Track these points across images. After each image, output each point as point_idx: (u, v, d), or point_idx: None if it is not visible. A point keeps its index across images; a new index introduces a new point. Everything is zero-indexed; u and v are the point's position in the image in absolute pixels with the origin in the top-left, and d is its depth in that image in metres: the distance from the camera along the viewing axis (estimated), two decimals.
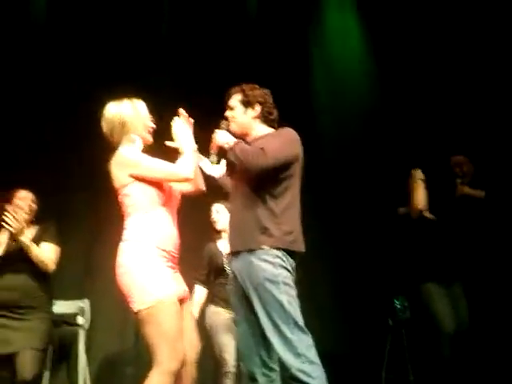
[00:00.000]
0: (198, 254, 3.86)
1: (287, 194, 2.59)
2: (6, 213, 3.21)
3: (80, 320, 4.37)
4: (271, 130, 2.76)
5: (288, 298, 2.45)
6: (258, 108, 2.72)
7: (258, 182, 2.56)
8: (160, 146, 2.69)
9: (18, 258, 3.26)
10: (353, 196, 5.23)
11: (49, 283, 3.42)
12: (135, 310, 2.39)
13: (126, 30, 5.17)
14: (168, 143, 2.69)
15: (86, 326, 4.44)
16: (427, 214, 4.09)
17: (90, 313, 4.51)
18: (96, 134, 2.67)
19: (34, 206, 3.48)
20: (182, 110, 2.69)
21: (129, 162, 2.51)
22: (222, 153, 2.72)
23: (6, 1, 5.01)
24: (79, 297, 4.51)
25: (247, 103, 2.72)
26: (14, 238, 3.23)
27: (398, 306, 4.77)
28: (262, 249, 2.49)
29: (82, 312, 4.43)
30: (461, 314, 3.90)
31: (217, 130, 2.71)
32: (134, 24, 5.22)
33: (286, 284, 2.47)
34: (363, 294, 4.98)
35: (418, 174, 4.11)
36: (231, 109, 2.76)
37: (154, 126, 2.69)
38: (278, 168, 2.55)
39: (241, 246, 2.57)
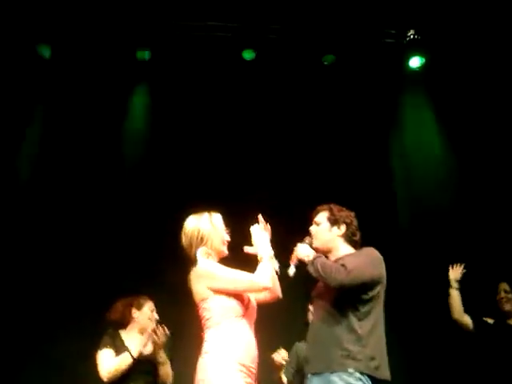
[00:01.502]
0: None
1: (371, 315, 2.57)
2: (147, 324, 3.42)
3: None
4: (353, 250, 2.78)
5: None
6: (343, 228, 2.78)
7: (340, 300, 2.56)
8: (239, 253, 2.75)
9: (146, 369, 3.37)
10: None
11: None
12: None
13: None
14: (246, 249, 2.73)
15: None
16: None
17: None
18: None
19: (157, 316, 3.59)
20: (260, 217, 2.76)
21: (208, 275, 2.55)
22: (301, 265, 2.76)
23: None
24: None
25: (334, 221, 2.79)
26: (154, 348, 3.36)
27: None
28: (345, 371, 2.45)
29: None
30: None
31: (299, 244, 2.76)
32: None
33: None
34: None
35: (450, 278, 4.11)
36: (317, 224, 2.83)
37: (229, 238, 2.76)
38: (361, 287, 2.55)
39: (322, 368, 2.53)
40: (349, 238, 2.79)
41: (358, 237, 2.81)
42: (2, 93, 5.16)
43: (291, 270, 2.76)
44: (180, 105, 5.50)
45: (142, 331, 3.45)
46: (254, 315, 2.68)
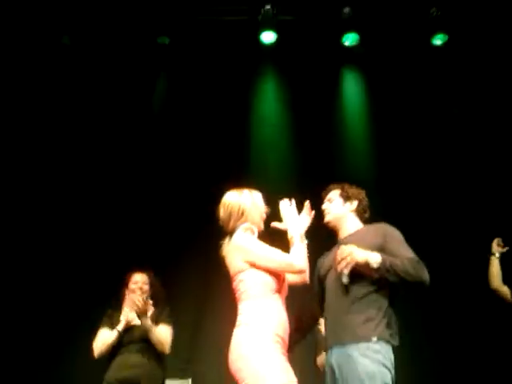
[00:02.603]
0: None
1: (392, 291, 2.63)
2: (128, 295, 3.50)
3: None
4: (362, 225, 2.85)
5: None
6: (355, 203, 2.85)
7: (378, 281, 2.57)
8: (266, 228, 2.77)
9: (139, 337, 3.44)
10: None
11: (163, 363, 3.56)
12: None
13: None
14: (274, 224, 2.74)
15: None
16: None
17: None
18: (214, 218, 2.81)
19: (146, 287, 3.66)
20: (307, 203, 2.79)
21: (245, 249, 2.58)
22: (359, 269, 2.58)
23: None
24: (183, 376, 4.57)
25: (346, 197, 2.86)
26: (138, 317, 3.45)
27: None
28: (367, 341, 2.49)
29: None
30: None
31: (344, 247, 2.57)
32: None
33: (384, 383, 2.45)
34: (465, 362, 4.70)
35: (493, 246, 4.11)
36: (330, 201, 2.88)
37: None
38: None
39: (346, 338, 2.54)
40: (360, 214, 2.87)
41: (367, 214, 2.90)
42: None
43: (345, 279, 2.58)
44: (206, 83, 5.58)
45: (131, 306, 3.49)
46: (287, 291, 2.70)
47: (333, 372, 2.56)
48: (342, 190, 2.88)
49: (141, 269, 3.72)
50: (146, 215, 5.19)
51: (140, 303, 3.40)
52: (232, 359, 2.46)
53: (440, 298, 4.75)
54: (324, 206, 2.88)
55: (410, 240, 2.68)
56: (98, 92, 5.50)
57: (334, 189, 2.91)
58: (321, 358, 3.62)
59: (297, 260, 2.55)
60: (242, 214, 2.69)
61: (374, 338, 2.49)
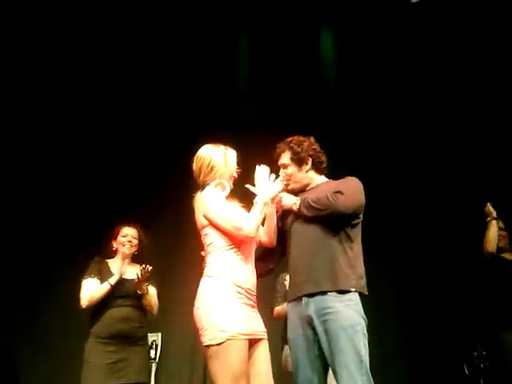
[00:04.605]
0: None
1: (358, 239, 2.67)
2: (120, 248, 3.51)
3: (152, 354, 4.48)
4: (324, 177, 2.84)
5: (364, 348, 2.48)
6: (309, 162, 2.79)
7: (332, 226, 2.60)
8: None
9: (128, 292, 3.44)
10: (428, 235, 5.12)
11: (147, 316, 3.59)
12: (205, 344, 2.43)
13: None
14: (248, 186, 2.72)
15: (157, 359, 4.53)
16: (506, 255, 3.94)
17: (162, 345, 4.61)
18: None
19: (136, 241, 3.65)
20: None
21: (204, 204, 2.60)
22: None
23: None
24: (152, 330, 4.58)
25: (299, 160, 2.78)
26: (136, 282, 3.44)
27: (476, 353, 4.53)
28: (344, 291, 2.53)
29: (154, 346, 4.54)
30: None
31: (280, 194, 2.71)
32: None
33: (364, 334, 2.51)
34: (436, 339, 4.81)
35: (489, 211, 4.02)
36: (284, 167, 2.81)
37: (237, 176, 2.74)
38: (354, 212, 2.62)
39: (323, 287, 2.55)
40: (318, 168, 2.82)
41: (324, 163, 2.84)
42: None
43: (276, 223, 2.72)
44: None
45: (122, 258, 3.51)
46: (254, 244, 2.69)
47: (308, 322, 2.57)
48: (292, 151, 2.78)
49: (130, 222, 3.68)
50: (121, 166, 5.18)
51: (144, 273, 3.40)
52: (194, 309, 2.52)
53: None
54: (281, 174, 2.80)
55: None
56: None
57: (283, 151, 2.81)
58: (280, 309, 3.70)
59: (246, 225, 2.54)
60: (212, 169, 2.67)
61: (353, 289, 2.55)
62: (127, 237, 3.61)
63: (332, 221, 2.60)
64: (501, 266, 3.96)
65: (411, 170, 5.35)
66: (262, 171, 2.73)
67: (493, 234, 3.98)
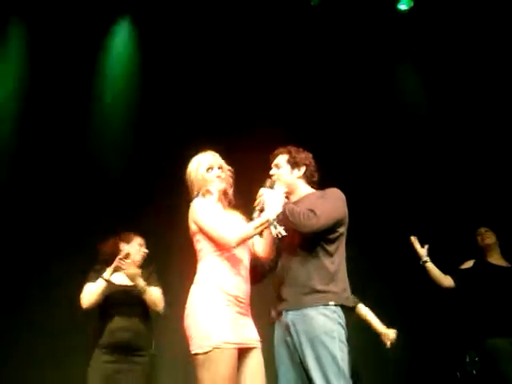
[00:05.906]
0: None
1: (338, 252, 2.70)
2: (120, 257, 3.48)
3: None
4: (313, 190, 2.87)
5: (342, 354, 2.51)
6: (302, 169, 2.85)
7: (310, 240, 2.65)
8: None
9: (131, 301, 3.49)
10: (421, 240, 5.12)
11: (151, 326, 3.62)
12: (192, 352, 2.46)
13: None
14: (255, 206, 2.72)
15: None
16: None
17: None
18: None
19: (143, 249, 3.71)
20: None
21: (193, 211, 2.65)
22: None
23: None
24: None
25: (294, 164, 2.85)
26: (130, 280, 3.50)
27: (468, 359, 4.54)
28: (322, 304, 2.57)
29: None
30: None
31: (262, 189, 2.75)
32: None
33: (341, 341, 2.54)
34: (430, 345, 4.82)
35: (419, 253, 3.99)
36: (277, 167, 2.87)
37: (220, 174, 2.72)
38: (331, 228, 2.65)
39: (300, 304, 2.60)
40: (308, 179, 2.87)
41: (316, 177, 2.90)
42: None
43: (255, 215, 2.70)
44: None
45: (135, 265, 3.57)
46: (247, 251, 2.70)
47: (287, 330, 2.61)
48: (290, 155, 2.86)
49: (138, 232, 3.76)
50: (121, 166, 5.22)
51: (129, 267, 3.46)
52: (184, 317, 2.54)
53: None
54: (272, 172, 2.87)
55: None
56: None
57: (282, 153, 2.89)
58: None
59: (228, 234, 2.54)
60: (192, 182, 2.74)
61: (331, 303, 2.58)
62: (143, 247, 3.68)
63: (306, 238, 2.64)
64: (488, 272, 3.98)
65: (411, 170, 5.43)
66: (276, 192, 2.71)
67: (434, 274, 3.97)
